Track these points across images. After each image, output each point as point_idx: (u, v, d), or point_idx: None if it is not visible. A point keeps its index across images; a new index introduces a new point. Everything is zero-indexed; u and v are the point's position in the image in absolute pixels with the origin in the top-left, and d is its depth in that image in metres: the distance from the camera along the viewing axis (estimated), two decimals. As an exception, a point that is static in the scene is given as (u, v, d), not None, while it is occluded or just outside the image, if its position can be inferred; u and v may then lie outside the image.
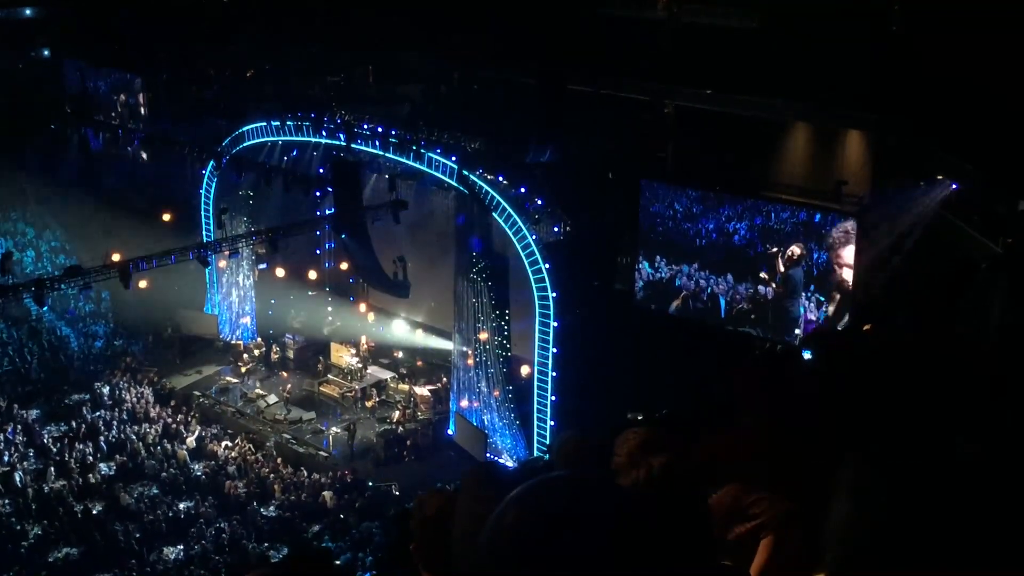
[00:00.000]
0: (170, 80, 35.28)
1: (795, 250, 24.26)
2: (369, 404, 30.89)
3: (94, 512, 25.40)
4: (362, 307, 33.75)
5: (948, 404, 2.40)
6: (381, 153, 29.38)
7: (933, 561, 1.54)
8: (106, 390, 30.97)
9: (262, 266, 35.24)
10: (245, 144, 32.18)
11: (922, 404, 2.38)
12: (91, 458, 27.48)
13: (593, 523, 1.75)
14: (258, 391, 31.75)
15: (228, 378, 32.87)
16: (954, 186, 23.22)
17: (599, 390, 24.79)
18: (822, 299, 23.73)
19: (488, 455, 27.65)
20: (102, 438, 28.41)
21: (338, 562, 22.40)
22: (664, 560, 1.78)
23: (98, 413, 29.80)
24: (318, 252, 34.69)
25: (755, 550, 2.43)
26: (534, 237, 26.51)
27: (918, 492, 1.61)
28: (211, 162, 32.86)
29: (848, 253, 23.19)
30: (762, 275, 24.66)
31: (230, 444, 28.77)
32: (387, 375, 31.97)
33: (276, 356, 33.99)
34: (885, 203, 23.92)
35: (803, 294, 23.98)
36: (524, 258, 26.63)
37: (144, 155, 34.80)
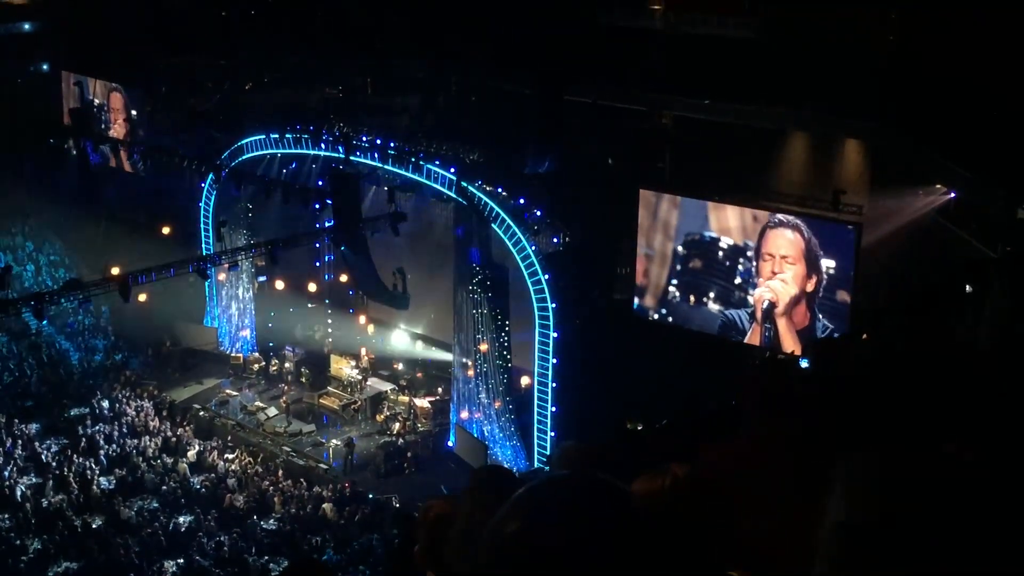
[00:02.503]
0: (169, 93, 35.32)
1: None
2: (380, 418, 30.84)
3: (94, 526, 25.34)
4: (362, 319, 33.77)
5: (946, 408, 2.40)
6: (380, 165, 29.41)
7: (929, 562, 1.54)
8: (106, 404, 30.92)
9: (261, 279, 35.26)
10: (244, 157, 32.21)
11: (919, 408, 2.38)
12: (91, 472, 27.43)
13: (597, 526, 1.74)
14: (258, 404, 31.71)
15: (228, 391, 32.83)
16: (952, 194, 23.27)
17: (599, 400, 24.77)
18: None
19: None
20: (102, 452, 28.36)
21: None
22: (668, 564, 1.77)
23: (98, 427, 29.75)
24: (317, 264, 34.69)
25: (766, 557, 2.41)
26: (533, 248, 26.53)
27: (914, 493, 1.61)
28: (210, 175, 32.88)
29: (847, 262, 23.12)
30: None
31: (230, 457, 28.74)
32: (387, 387, 31.95)
33: (274, 369, 33.94)
34: (883, 211, 23.94)
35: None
36: (523, 269, 26.63)
37: (142, 167, 34.78)
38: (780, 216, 24.06)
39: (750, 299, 24.70)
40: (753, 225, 24.52)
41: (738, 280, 24.97)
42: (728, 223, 24.88)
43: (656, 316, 26.21)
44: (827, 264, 23.34)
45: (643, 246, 26.13)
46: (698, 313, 25.71)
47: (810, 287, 23.73)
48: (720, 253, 25.14)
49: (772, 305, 24.26)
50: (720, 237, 25.04)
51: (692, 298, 25.78)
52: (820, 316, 23.65)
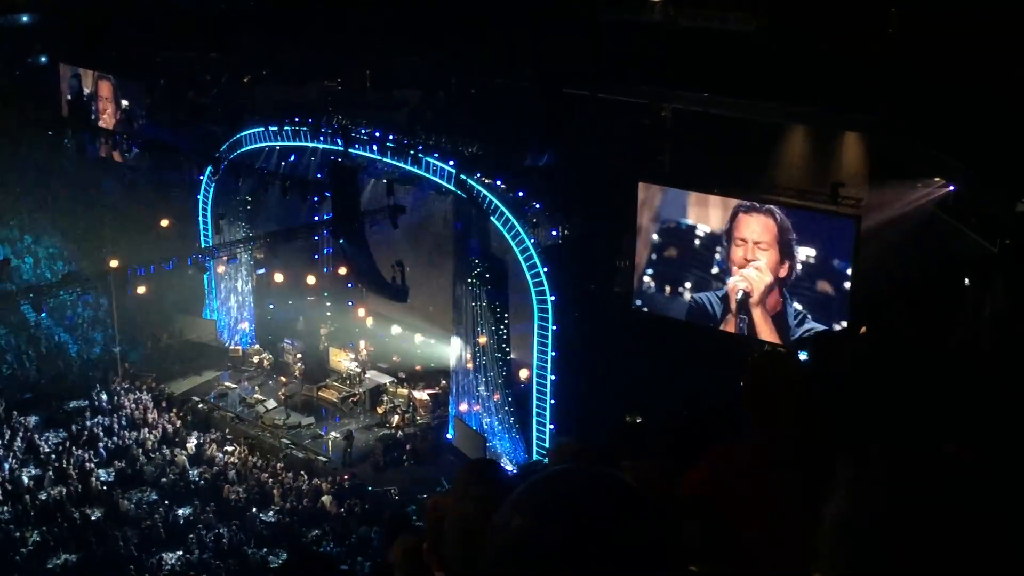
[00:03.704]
0: (168, 86, 35.26)
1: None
2: (379, 410, 30.81)
3: (93, 518, 25.37)
4: (361, 312, 33.73)
5: (945, 405, 2.41)
6: (379, 158, 29.37)
7: (930, 561, 1.55)
8: (104, 396, 30.92)
9: (260, 271, 35.22)
10: (243, 150, 32.15)
11: (918, 405, 2.39)
12: (90, 464, 27.44)
13: (602, 520, 1.73)
14: (257, 396, 31.70)
15: (227, 383, 32.81)
16: (951, 187, 23.26)
17: (598, 393, 24.79)
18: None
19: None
20: (101, 444, 28.37)
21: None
22: (671, 557, 1.77)
23: (97, 419, 29.75)
24: (316, 257, 34.65)
25: (766, 556, 2.43)
26: (532, 241, 26.52)
27: (915, 493, 1.62)
28: (209, 168, 32.84)
29: (840, 254, 23.02)
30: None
31: (229, 449, 28.74)
32: (386, 379, 31.93)
33: (267, 362, 33.89)
34: (882, 205, 23.92)
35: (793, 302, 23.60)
36: (522, 262, 26.62)
37: (130, 156, 34.73)
38: (750, 200, 23.81)
39: (727, 287, 24.46)
40: (729, 203, 24.05)
41: (715, 270, 24.58)
42: (709, 217, 24.56)
43: (631, 306, 26.02)
44: (806, 253, 23.10)
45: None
46: (674, 304, 25.40)
47: (783, 273, 23.44)
48: (697, 241, 24.68)
49: (747, 295, 23.99)
50: (696, 225, 24.61)
51: (668, 288, 25.42)
52: (792, 302, 23.38)
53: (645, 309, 25.88)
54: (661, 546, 1.76)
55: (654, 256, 25.46)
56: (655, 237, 25.32)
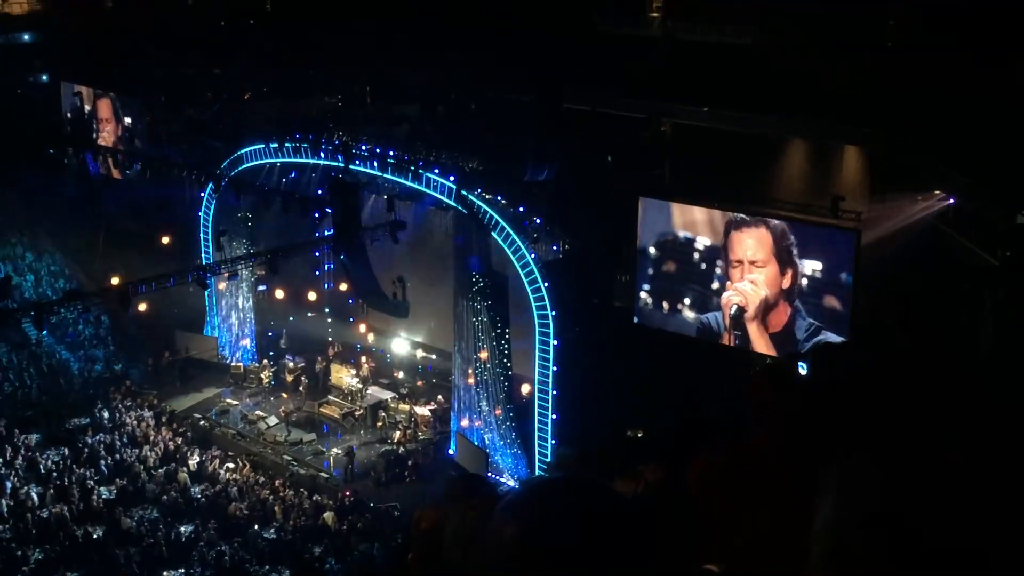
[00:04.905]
0: (168, 103, 35.34)
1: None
2: (379, 425, 30.79)
3: (95, 536, 25.32)
4: (362, 327, 33.74)
5: (941, 412, 2.39)
6: (379, 174, 29.41)
7: (922, 561, 1.54)
8: (106, 413, 30.90)
9: (261, 288, 35.25)
10: (243, 166, 32.19)
11: (912, 411, 2.37)
12: (91, 482, 27.40)
13: (592, 526, 1.74)
14: (258, 413, 31.67)
15: (228, 400, 32.79)
16: (952, 200, 23.27)
17: (600, 408, 24.74)
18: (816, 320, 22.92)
19: (489, 474, 27.57)
20: (102, 462, 28.34)
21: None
22: (663, 562, 1.77)
23: (98, 437, 29.72)
24: (317, 273, 34.69)
25: (758, 557, 2.42)
26: (533, 256, 26.52)
27: (909, 494, 1.61)
28: (210, 184, 32.89)
29: (845, 267, 22.89)
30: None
31: (231, 466, 28.69)
32: (387, 395, 31.91)
33: (266, 379, 33.84)
34: (883, 218, 23.92)
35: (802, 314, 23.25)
36: (523, 277, 26.62)
37: (130, 173, 34.79)
38: (744, 213, 23.33)
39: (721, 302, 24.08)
40: (720, 220, 23.46)
41: (715, 285, 23.97)
42: (694, 216, 24.03)
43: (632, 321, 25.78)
44: (812, 267, 22.73)
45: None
46: (672, 321, 24.88)
47: (786, 283, 22.73)
48: (696, 255, 24.08)
49: (741, 310, 23.45)
50: (696, 238, 24.00)
51: (666, 305, 24.99)
52: (803, 314, 22.63)
53: (644, 326, 25.77)
54: (654, 551, 1.76)
55: (651, 271, 25.17)
56: (653, 251, 25.06)
